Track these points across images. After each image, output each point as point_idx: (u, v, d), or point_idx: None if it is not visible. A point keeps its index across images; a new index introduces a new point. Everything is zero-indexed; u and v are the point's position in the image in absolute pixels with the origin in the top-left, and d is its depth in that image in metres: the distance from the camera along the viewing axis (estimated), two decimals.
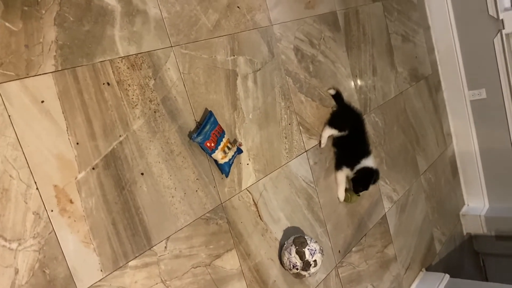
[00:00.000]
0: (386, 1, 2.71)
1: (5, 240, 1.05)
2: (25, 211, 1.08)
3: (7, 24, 1.08)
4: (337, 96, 2.15)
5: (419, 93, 2.97)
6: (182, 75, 1.48)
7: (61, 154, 1.15)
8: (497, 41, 2.97)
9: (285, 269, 1.76)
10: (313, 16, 2.10)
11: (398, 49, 2.77)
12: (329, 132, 2.06)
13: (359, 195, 2.17)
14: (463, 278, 2.78)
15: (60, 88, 1.17)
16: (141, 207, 1.32)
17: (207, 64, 1.57)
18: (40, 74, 1.13)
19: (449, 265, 3.11)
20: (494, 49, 3.00)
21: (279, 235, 1.78)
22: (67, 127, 1.17)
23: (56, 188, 1.14)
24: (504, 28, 2.93)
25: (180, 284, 1.40)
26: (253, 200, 1.69)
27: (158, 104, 1.39)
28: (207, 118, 1.49)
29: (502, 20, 2.92)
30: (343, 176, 2.13)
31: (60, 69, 1.17)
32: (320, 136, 2.05)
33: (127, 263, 1.27)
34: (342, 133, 2.07)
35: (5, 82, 1.07)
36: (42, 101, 1.13)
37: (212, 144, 1.48)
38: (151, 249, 1.33)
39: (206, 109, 1.54)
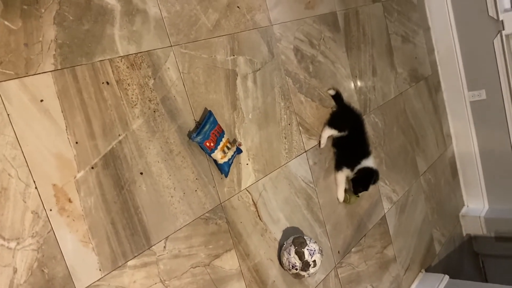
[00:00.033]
0: (386, 2, 2.71)
1: (4, 239, 1.05)
2: (24, 210, 1.08)
3: (6, 22, 1.08)
4: (337, 97, 2.15)
5: (419, 93, 2.97)
6: (181, 75, 1.48)
7: (60, 153, 1.15)
8: (497, 42, 2.98)
9: (284, 270, 1.75)
10: (313, 16, 2.10)
11: (398, 50, 2.77)
12: (329, 132, 2.05)
13: (358, 196, 2.17)
14: (463, 279, 2.77)
15: (60, 87, 1.17)
16: (140, 206, 1.32)
17: (207, 64, 1.57)
18: (39, 73, 1.13)
19: (449, 266, 3.11)
20: (494, 50, 3.00)
21: (278, 235, 1.78)
22: (66, 126, 1.17)
23: (55, 187, 1.14)
24: (504, 29, 2.93)
25: (179, 284, 1.40)
26: (253, 200, 1.69)
27: (158, 104, 1.39)
28: (207, 118, 1.49)
29: (502, 21, 2.92)
30: (343, 176, 2.12)
31: (59, 68, 1.17)
32: (320, 136, 2.05)
33: (126, 262, 1.27)
34: (342, 134, 2.07)
35: (4, 81, 1.07)
36: (41, 100, 1.13)
37: (212, 144, 1.48)
38: (150, 248, 1.33)
39: (205, 108, 1.54)
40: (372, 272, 2.32)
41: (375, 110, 2.48)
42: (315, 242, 1.74)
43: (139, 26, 1.37)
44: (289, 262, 1.69)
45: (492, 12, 2.94)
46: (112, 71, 1.29)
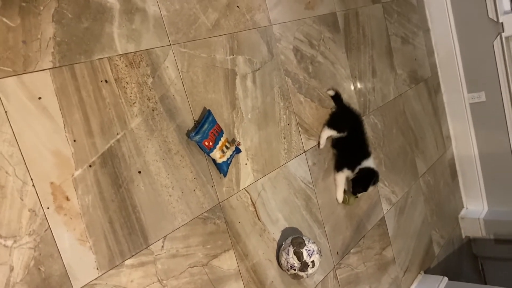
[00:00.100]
0: (386, 3, 2.71)
1: (0, 237, 1.04)
2: (21, 208, 1.07)
3: (4, 19, 1.08)
4: (336, 97, 2.14)
5: (418, 95, 2.97)
6: (180, 74, 1.47)
7: (58, 151, 1.15)
8: (496, 44, 2.97)
9: (283, 270, 1.75)
10: (313, 16, 2.10)
11: (398, 51, 2.77)
12: (328, 133, 2.05)
13: (357, 197, 2.16)
14: (462, 281, 2.77)
15: (58, 85, 1.16)
16: (138, 205, 1.31)
17: (206, 63, 1.56)
18: (37, 71, 1.13)
19: (448, 268, 3.10)
20: (494, 52, 3.00)
21: (277, 235, 1.78)
22: (64, 124, 1.16)
23: (52, 185, 1.13)
24: (503, 31, 2.93)
25: (177, 284, 1.39)
26: (251, 200, 1.68)
27: (156, 103, 1.39)
28: (206, 117, 1.49)
29: (502, 23, 2.92)
30: (342, 177, 2.12)
31: (57, 65, 1.17)
32: (319, 137, 2.05)
33: (123, 261, 1.26)
34: (341, 134, 2.07)
35: (2, 78, 1.06)
36: (39, 98, 1.12)
37: (210, 143, 1.48)
38: (148, 248, 1.33)
39: (204, 108, 1.53)
40: (371, 273, 2.31)
41: (375, 111, 2.48)
42: (314, 242, 1.74)
43: (138, 25, 1.37)
44: (287, 262, 1.68)
45: (492, 14, 2.94)
46: (111, 69, 1.28)
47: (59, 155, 1.15)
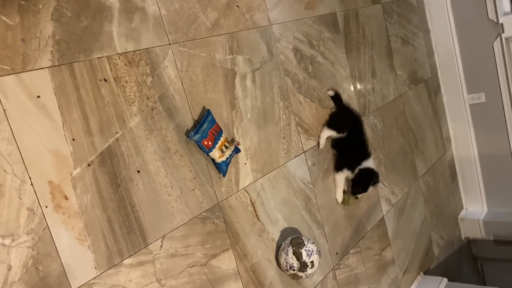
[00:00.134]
0: (386, 4, 2.71)
1: None
2: (19, 207, 1.07)
3: (3, 18, 1.08)
4: (336, 98, 2.14)
5: (418, 96, 2.97)
6: (180, 73, 1.47)
7: (56, 150, 1.14)
8: (496, 45, 2.97)
9: (282, 270, 1.74)
10: (313, 17, 2.09)
11: (398, 52, 2.77)
12: (328, 133, 2.05)
13: (357, 198, 2.16)
14: (461, 282, 2.76)
15: (57, 83, 1.16)
16: (137, 205, 1.31)
17: (206, 63, 1.56)
18: (36, 69, 1.13)
19: (447, 269, 3.10)
20: (494, 53, 3.00)
21: (276, 235, 1.77)
22: (63, 123, 1.16)
23: (51, 184, 1.13)
24: (503, 32, 2.93)
25: (176, 284, 1.39)
26: (251, 200, 1.68)
27: (156, 102, 1.39)
28: (205, 117, 1.48)
29: (501, 24, 2.92)
30: (342, 177, 2.12)
31: (56, 64, 1.16)
32: (319, 137, 2.04)
33: (122, 261, 1.26)
34: (341, 135, 2.07)
35: (0, 76, 1.06)
36: (38, 96, 1.12)
37: (210, 143, 1.47)
38: (147, 247, 1.32)
39: (204, 107, 1.53)
40: (370, 274, 2.31)
41: (374, 111, 2.48)
42: (313, 243, 1.73)
43: (138, 24, 1.37)
44: (286, 262, 1.68)
45: (492, 15, 2.94)
46: (110, 68, 1.28)
47: (58, 153, 1.15)
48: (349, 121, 2.12)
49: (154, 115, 1.38)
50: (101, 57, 1.26)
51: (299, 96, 1.96)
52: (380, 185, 2.45)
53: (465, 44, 3.12)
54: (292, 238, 1.72)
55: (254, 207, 1.69)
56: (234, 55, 1.67)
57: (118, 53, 1.30)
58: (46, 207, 1.11)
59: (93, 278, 1.19)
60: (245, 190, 1.66)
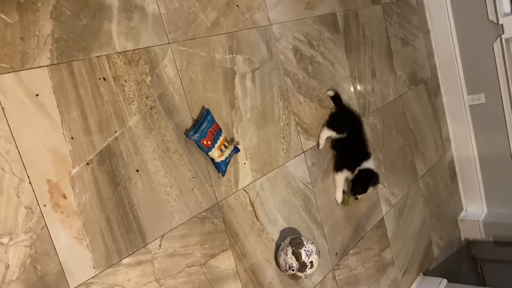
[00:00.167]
0: (386, 4, 2.70)
1: None
2: (17, 205, 1.07)
3: (2, 16, 1.07)
4: (336, 98, 2.14)
5: (418, 97, 2.96)
6: (179, 72, 1.47)
7: (55, 149, 1.14)
8: (496, 46, 2.97)
9: (281, 270, 1.74)
10: (313, 17, 2.09)
11: (398, 53, 2.76)
12: (327, 133, 2.05)
13: (356, 198, 2.15)
14: (461, 283, 2.76)
15: (55, 82, 1.16)
16: (136, 204, 1.30)
17: (205, 62, 1.56)
18: (35, 67, 1.12)
19: (447, 270, 3.09)
20: (494, 54, 3.00)
21: (275, 236, 1.77)
22: (61, 121, 1.16)
23: (49, 183, 1.12)
24: (503, 33, 2.93)
25: (174, 283, 1.38)
26: (250, 200, 1.67)
27: (155, 101, 1.38)
28: (204, 116, 1.48)
29: (501, 25, 2.91)
30: (342, 178, 2.11)
31: (55, 62, 1.16)
32: (318, 137, 2.04)
33: (120, 260, 1.25)
34: (341, 135, 2.06)
35: None
36: (37, 95, 1.12)
37: (209, 142, 1.47)
38: (145, 247, 1.32)
39: (203, 107, 1.53)
40: (369, 274, 2.30)
41: (374, 112, 2.48)
42: (313, 243, 1.73)
43: (137, 23, 1.36)
44: (286, 262, 1.67)
45: (492, 16, 2.94)
46: (109, 67, 1.28)
47: (56, 152, 1.14)
48: (348, 122, 2.12)
49: (153, 114, 1.37)
50: (100, 55, 1.26)
51: (298, 96, 1.96)
52: (379, 185, 2.44)
53: (465, 45, 3.12)
54: (292, 238, 1.71)
55: (253, 207, 1.68)
56: (234, 54, 1.67)
57: (117, 52, 1.30)
58: (45, 206, 1.11)
59: (92, 278, 1.18)
60: (244, 190, 1.65)
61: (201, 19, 1.56)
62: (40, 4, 1.14)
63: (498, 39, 2.96)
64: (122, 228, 1.26)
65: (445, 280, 2.69)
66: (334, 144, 2.10)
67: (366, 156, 2.14)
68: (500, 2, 2.92)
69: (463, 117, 3.27)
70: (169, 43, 1.45)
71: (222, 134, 1.52)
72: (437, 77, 3.26)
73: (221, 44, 1.62)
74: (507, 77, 2.99)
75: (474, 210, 3.44)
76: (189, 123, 1.48)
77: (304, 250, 1.67)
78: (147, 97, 1.36)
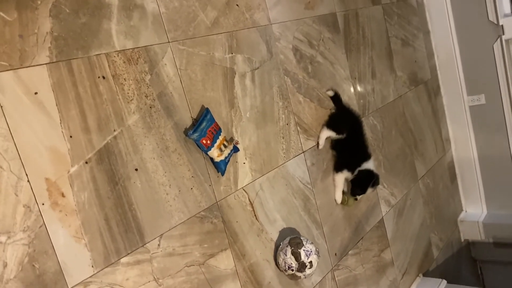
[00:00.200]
0: (386, 5, 2.70)
1: None
2: (16, 204, 1.06)
3: (1, 13, 1.07)
4: (336, 98, 2.14)
5: (418, 97, 2.96)
6: (179, 71, 1.46)
7: (53, 147, 1.14)
8: (496, 46, 2.97)
9: (280, 270, 1.73)
10: (313, 16, 2.09)
11: (398, 53, 2.76)
12: (327, 133, 2.04)
13: (356, 199, 2.15)
14: (461, 284, 2.75)
15: (54, 80, 1.15)
16: (135, 203, 1.30)
17: (205, 61, 1.55)
18: (34, 65, 1.12)
19: (447, 271, 3.09)
20: (494, 54, 2.99)
21: (275, 236, 1.76)
22: (60, 120, 1.15)
23: (48, 181, 1.12)
24: (504, 34, 2.93)
25: (173, 283, 1.38)
26: (249, 199, 1.67)
27: (154, 100, 1.38)
28: (204, 115, 1.48)
29: (502, 26, 2.91)
30: (341, 178, 2.11)
31: (54, 61, 1.16)
32: (318, 137, 2.04)
33: (119, 259, 1.25)
34: (340, 136, 2.06)
35: None
36: (36, 93, 1.12)
37: (208, 142, 1.47)
38: (144, 246, 1.31)
39: (202, 106, 1.52)
40: (369, 275, 2.30)
41: (374, 112, 2.47)
42: (312, 243, 1.72)
43: (137, 21, 1.36)
44: (285, 262, 1.67)
45: (492, 17, 2.93)
46: (109, 65, 1.27)
47: (55, 151, 1.14)
48: (348, 122, 2.12)
49: (152, 113, 1.37)
50: (100, 54, 1.26)
51: (298, 96, 1.95)
52: (379, 186, 2.44)
53: (465, 45, 3.12)
54: (291, 238, 1.71)
55: (252, 207, 1.68)
56: (234, 54, 1.66)
57: (117, 51, 1.30)
58: (43, 204, 1.11)
59: (90, 277, 1.18)
60: (243, 189, 1.65)
61: (201, 18, 1.56)
62: (39, 2, 1.14)
63: (498, 40, 2.95)
64: (120, 227, 1.26)
65: (444, 281, 2.68)
66: (334, 144, 2.10)
67: (367, 156, 2.14)
68: (501, 2, 2.92)
69: (463, 118, 3.27)
70: (169, 42, 1.44)
71: (221, 134, 1.52)
72: (437, 77, 3.26)
73: (221, 44, 1.62)
74: (507, 78, 2.98)
75: (474, 211, 3.43)
76: (188, 122, 1.47)
77: (304, 250, 1.66)
78: (146, 96, 1.36)
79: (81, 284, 1.16)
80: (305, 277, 1.73)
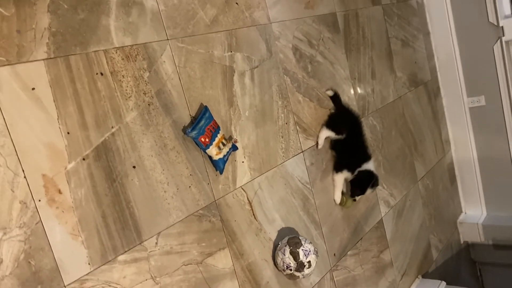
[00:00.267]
0: (386, 5, 2.70)
1: None
2: (12, 200, 1.05)
3: None
4: (335, 98, 2.13)
5: (418, 98, 2.96)
6: (177, 69, 1.46)
7: (51, 143, 1.13)
8: (496, 48, 2.97)
9: (279, 270, 1.72)
10: (313, 16, 2.09)
11: (398, 54, 2.76)
12: (326, 133, 2.04)
13: (355, 200, 2.14)
14: (460, 286, 2.74)
15: (52, 76, 1.15)
16: (132, 200, 1.29)
17: (204, 59, 1.55)
18: (31, 61, 1.11)
19: (446, 273, 3.08)
20: (494, 56, 2.99)
21: (273, 235, 1.75)
22: (58, 116, 1.15)
23: (44, 178, 1.11)
24: (504, 35, 2.92)
25: (170, 281, 1.37)
26: (248, 198, 1.66)
27: (152, 97, 1.37)
28: (202, 113, 1.47)
29: (502, 27, 2.91)
30: (341, 178, 2.10)
31: (52, 56, 1.15)
32: (317, 137, 2.03)
33: (116, 257, 1.24)
34: (340, 136, 2.05)
35: None
36: (33, 88, 1.11)
37: (207, 140, 1.46)
38: (141, 244, 1.30)
39: (201, 104, 1.52)
40: (368, 276, 2.29)
41: (374, 113, 2.47)
42: (311, 242, 1.72)
43: (136, 18, 1.36)
44: (283, 262, 1.66)
45: (492, 18, 2.93)
46: (107, 62, 1.27)
47: (52, 147, 1.13)
48: (348, 123, 2.11)
49: (150, 110, 1.36)
50: (98, 50, 1.25)
51: (298, 95, 1.95)
52: (379, 186, 2.43)
53: (465, 47, 3.11)
54: (289, 238, 1.70)
55: (251, 206, 1.67)
56: (233, 52, 1.66)
57: (115, 47, 1.29)
58: (39, 200, 1.10)
59: (86, 274, 1.17)
60: (242, 188, 1.64)
61: (200, 16, 1.55)
62: None
63: (498, 41, 2.95)
64: (118, 224, 1.25)
65: (444, 283, 2.67)
66: (334, 144, 2.09)
67: (367, 157, 2.13)
68: (501, 4, 2.92)
69: (463, 119, 3.26)
70: (168, 39, 1.44)
71: (220, 132, 1.51)
72: (437, 78, 3.26)
73: (220, 42, 1.61)
74: (507, 79, 2.98)
75: (473, 213, 3.42)
76: (187, 120, 1.47)
77: (302, 249, 1.65)
78: (144, 93, 1.35)
79: (78, 282, 1.15)
80: (304, 277, 1.72)
